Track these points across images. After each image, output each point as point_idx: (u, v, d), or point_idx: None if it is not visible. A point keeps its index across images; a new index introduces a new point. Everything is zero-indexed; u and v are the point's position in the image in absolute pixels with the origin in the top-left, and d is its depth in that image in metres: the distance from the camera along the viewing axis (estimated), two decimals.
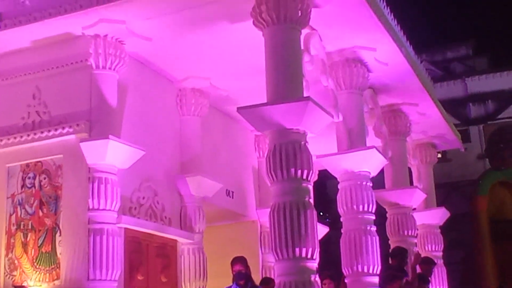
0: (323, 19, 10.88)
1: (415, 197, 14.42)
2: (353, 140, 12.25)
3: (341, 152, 12.18)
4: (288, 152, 9.69)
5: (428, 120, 15.45)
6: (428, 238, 16.42)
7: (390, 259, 11.74)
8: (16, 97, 11.93)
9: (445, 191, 24.90)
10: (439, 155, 18.66)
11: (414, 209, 14.95)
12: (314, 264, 9.78)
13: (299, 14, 10.17)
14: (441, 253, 16.83)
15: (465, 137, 26.70)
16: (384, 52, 12.25)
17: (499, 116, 28.97)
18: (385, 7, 12.31)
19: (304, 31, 10.64)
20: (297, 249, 9.48)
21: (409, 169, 15.98)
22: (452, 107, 27.56)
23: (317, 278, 10.08)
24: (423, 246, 16.23)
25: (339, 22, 11.20)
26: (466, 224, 25.27)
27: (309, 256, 9.59)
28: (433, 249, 16.44)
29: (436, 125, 15.94)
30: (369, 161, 11.98)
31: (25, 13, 11.31)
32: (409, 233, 14.32)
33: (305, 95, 10.07)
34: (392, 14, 12.80)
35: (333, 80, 12.38)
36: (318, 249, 9.93)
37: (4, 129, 11.87)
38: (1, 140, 11.77)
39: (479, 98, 29.46)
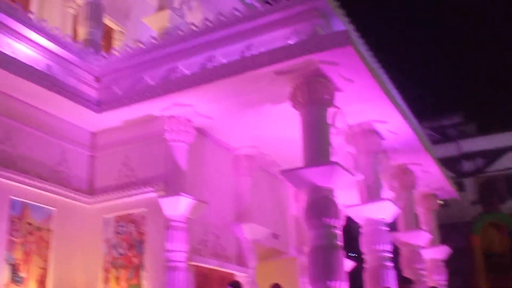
0: (345, 99, 10.88)
1: (422, 238, 14.16)
2: (371, 193, 12.09)
3: (363, 204, 12.03)
4: (320, 206, 9.70)
5: (430, 175, 15.24)
6: (434, 270, 16.05)
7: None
8: (110, 164, 12.14)
9: (446, 230, 24.50)
10: (442, 202, 18.23)
11: (422, 247, 14.60)
12: None
13: (326, 97, 10.26)
14: (445, 282, 16.43)
15: (461, 187, 26.33)
16: (394, 124, 12.18)
17: (487, 170, 28.60)
18: (392, 87, 12.38)
19: (330, 109, 10.62)
20: (329, 282, 9.39)
21: (416, 214, 15.70)
22: (449, 164, 27.26)
23: None
24: (430, 277, 15.81)
25: (357, 102, 11.18)
26: (464, 257, 24.75)
27: (339, 287, 9.51)
28: (439, 279, 16.05)
29: (437, 179, 15.69)
30: (385, 210, 11.82)
31: (117, 99, 11.57)
32: (419, 267, 14.07)
33: (332, 159, 10.04)
34: (397, 90, 12.85)
35: (354, 146, 12.35)
36: (347, 281, 9.83)
37: (102, 188, 12.04)
38: (99, 197, 11.91)
39: (470, 156, 29.13)
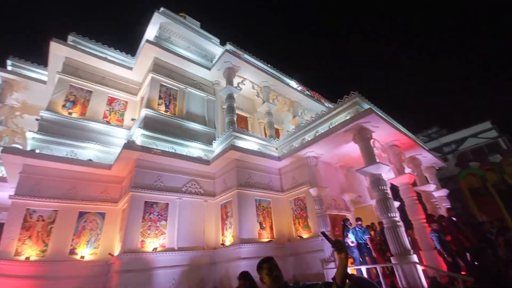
0: (377, 135, 10.64)
1: (431, 187, 12.35)
2: (399, 171, 11.31)
3: (396, 177, 11.22)
4: (377, 182, 9.57)
5: (428, 158, 13.32)
6: (443, 202, 13.46)
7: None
8: (287, 179, 11.86)
9: (444, 181, 21.39)
10: (437, 168, 15.67)
11: (433, 191, 12.54)
12: None
13: (368, 136, 10.16)
14: (450, 206, 13.57)
15: (445, 160, 22.98)
16: (403, 140, 11.44)
17: (458, 150, 24.62)
18: (397, 123, 11.61)
19: (371, 140, 10.43)
20: (389, 214, 9.10)
21: (425, 177, 13.66)
22: (437, 150, 24.09)
23: None
24: (441, 204, 13.18)
25: (383, 134, 10.81)
26: (457, 193, 21.02)
27: (395, 215, 8.99)
28: (446, 205, 13.37)
29: (432, 159, 13.53)
30: (408, 178, 10.89)
31: (286, 154, 11.62)
32: (433, 201, 12.25)
33: (377, 161, 9.88)
34: (401, 122, 11.89)
35: (386, 153, 11.75)
36: (398, 212, 9.24)
37: (286, 189, 11.62)
38: (285, 193, 11.49)
39: (447, 145, 25.36)
